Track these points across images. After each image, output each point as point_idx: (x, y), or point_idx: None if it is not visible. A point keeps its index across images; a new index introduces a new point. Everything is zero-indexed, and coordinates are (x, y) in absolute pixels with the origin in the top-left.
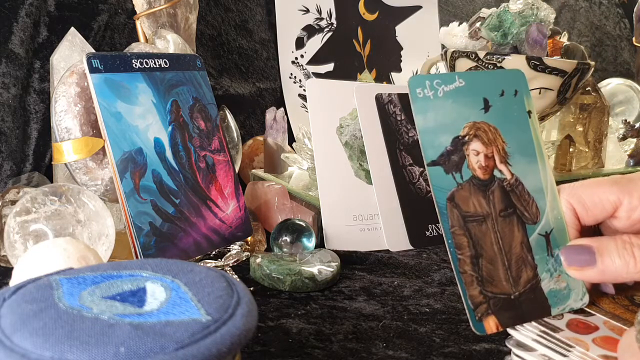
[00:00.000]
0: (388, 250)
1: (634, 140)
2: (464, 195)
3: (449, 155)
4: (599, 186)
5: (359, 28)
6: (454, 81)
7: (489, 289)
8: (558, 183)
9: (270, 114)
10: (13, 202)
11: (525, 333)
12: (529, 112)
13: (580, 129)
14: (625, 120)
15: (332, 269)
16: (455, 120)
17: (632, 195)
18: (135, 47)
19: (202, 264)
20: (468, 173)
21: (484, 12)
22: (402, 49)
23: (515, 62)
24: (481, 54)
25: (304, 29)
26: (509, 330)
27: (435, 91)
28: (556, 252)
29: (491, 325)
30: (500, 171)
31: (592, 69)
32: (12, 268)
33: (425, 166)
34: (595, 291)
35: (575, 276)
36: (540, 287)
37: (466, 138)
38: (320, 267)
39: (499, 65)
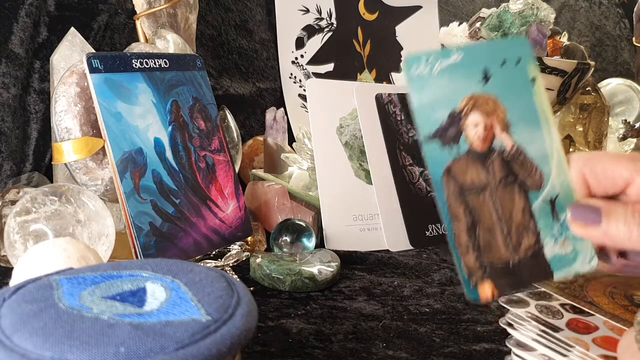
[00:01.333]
0: (388, 250)
1: (634, 140)
2: (461, 167)
3: (446, 129)
4: (614, 160)
5: (359, 28)
6: (451, 55)
7: (486, 256)
8: None
9: (270, 114)
10: (13, 202)
11: (525, 333)
12: (533, 79)
13: (580, 129)
14: (625, 120)
15: (332, 269)
16: (453, 95)
17: None
18: (135, 47)
19: (202, 264)
20: (465, 145)
21: (484, 12)
22: (402, 49)
23: None
24: None
25: (304, 29)
26: (509, 330)
27: (432, 67)
28: (562, 217)
29: (486, 291)
30: (500, 140)
31: (592, 69)
32: (12, 268)
33: (421, 141)
34: (592, 288)
35: (578, 233)
36: (542, 252)
37: (464, 111)
38: (320, 267)
39: None
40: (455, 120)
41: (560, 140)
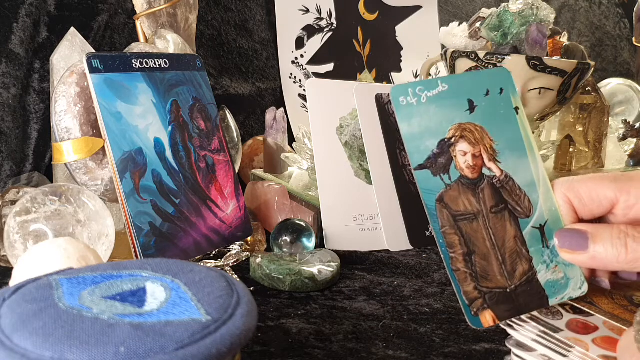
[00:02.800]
0: (388, 250)
1: (634, 140)
2: (453, 195)
3: (436, 158)
4: (598, 182)
5: (359, 28)
6: (437, 86)
7: (483, 284)
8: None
9: (270, 114)
10: (13, 202)
11: (525, 333)
12: (517, 109)
13: (580, 129)
14: (625, 120)
15: (332, 269)
16: (441, 124)
17: (630, 194)
18: (135, 47)
19: (202, 264)
20: (456, 174)
21: (484, 12)
22: (402, 49)
23: (515, 62)
24: (481, 54)
25: (304, 29)
26: (509, 331)
27: (419, 98)
28: (552, 244)
29: (488, 319)
30: (489, 169)
31: (592, 69)
32: (12, 268)
33: (412, 171)
34: (592, 289)
35: (566, 259)
36: (536, 278)
37: (452, 140)
38: (320, 267)
39: (499, 65)
40: (445, 148)
41: (545, 168)
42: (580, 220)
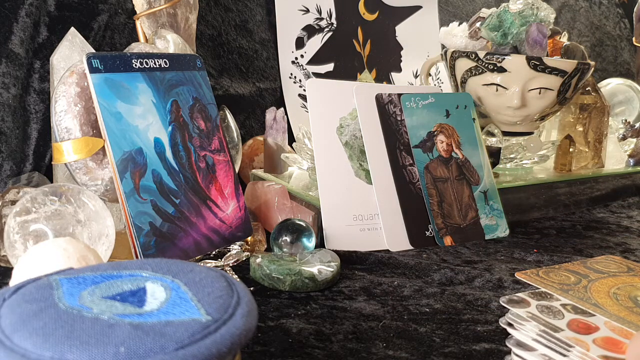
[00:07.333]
0: (388, 250)
1: (634, 140)
2: (434, 166)
3: (425, 142)
4: None
5: (359, 28)
6: (428, 99)
7: (447, 220)
8: (558, 182)
9: (270, 114)
10: (13, 202)
11: (525, 333)
12: (474, 119)
13: (580, 129)
14: (625, 120)
15: (332, 269)
16: (429, 122)
17: None
18: (135, 47)
19: (202, 264)
20: (436, 153)
21: (484, 12)
22: (402, 49)
23: (515, 62)
24: (481, 54)
25: (304, 29)
26: (509, 330)
27: (418, 104)
28: (490, 203)
29: (448, 241)
30: (456, 153)
31: (592, 69)
32: (12, 268)
33: (412, 148)
34: (599, 292)
35: None
36: (479, 222)
37: (435, 132)
38: (320, 267)
39: (499, 65)
40: (431, 136)
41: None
42: None
